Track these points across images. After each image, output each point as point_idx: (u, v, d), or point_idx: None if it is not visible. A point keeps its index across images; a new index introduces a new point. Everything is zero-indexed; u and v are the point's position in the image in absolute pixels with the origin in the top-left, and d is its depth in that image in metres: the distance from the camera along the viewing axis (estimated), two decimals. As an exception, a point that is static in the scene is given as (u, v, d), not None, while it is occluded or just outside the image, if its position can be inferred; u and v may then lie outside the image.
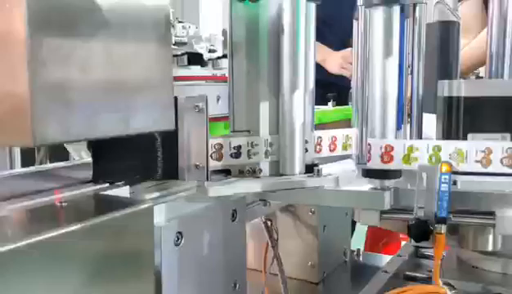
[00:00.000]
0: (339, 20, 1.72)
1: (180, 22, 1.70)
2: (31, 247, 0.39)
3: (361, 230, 1.62)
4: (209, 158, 0.63)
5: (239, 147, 0.68)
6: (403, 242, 1.30)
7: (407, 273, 0.88)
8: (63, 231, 0.41)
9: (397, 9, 0.65)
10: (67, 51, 0.45)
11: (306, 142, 0.70)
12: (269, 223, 0.87)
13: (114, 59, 0.50)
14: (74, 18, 0.46)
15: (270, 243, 0.88)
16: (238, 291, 0.67)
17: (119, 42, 0.50)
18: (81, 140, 0.53)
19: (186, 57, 1.48)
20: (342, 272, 1.05)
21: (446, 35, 0.86)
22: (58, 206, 0.49)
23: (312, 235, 0.96)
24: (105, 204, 0.52)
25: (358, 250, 1.12)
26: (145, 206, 0.49)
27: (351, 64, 1.72)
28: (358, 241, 1.52)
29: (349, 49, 1.74)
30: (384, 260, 1.07)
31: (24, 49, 0.42)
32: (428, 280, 0.82)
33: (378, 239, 1.62)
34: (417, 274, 0.88)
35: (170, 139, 0.61)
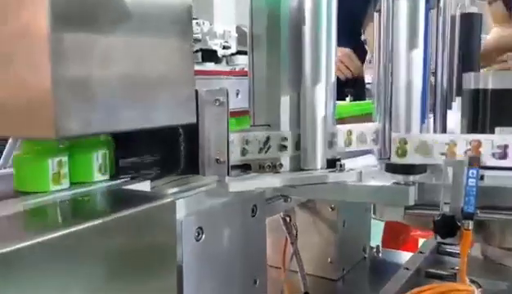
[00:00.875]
0: (339, 18, 1.69)
1: (194, 18, 1.69)
2: (52, 242, 0.38)
3: (377, 226, 1.60)
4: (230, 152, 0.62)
5: (259, 142, 0.67)
6: (421, 239, 1.28)
7: (429, 270, 0.87)
8: (84, 226, 0.41)
9: (422, -1, 0.64)
10: (89, 45, 0.45)
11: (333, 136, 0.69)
12: (288, 219, 0.86)
13: (136, 52, 0.49)
14: (96, 12, 0.46)
15: (289, 239, 0.87)
16: (258, 287, 0.66)
17: (140, 35, 0.50)
18: (103, 133, 0.53)
19: (200, 54, 1.47)
20: (361, 269, 1.03)
21: (468, 27, 0.84)
22: (79, 200, 0.49)
23: (332, 231, 0.95)
24: (127, 198, 0.51)
25: (378, 246, 1.10)
26: (168, 200, 0.48)
27: (346, 66, 1.69)
28: (374, 237, 1.50)
29: (347, 49, 1.71)
30: (404, 256, 1.05)
31: (46, 43, 0.41)
32: (450, 277, 0.81)
33: (395, 235, 1.60)
34: (440, 272, 0.86)
35: (191, 133, 0.61)
